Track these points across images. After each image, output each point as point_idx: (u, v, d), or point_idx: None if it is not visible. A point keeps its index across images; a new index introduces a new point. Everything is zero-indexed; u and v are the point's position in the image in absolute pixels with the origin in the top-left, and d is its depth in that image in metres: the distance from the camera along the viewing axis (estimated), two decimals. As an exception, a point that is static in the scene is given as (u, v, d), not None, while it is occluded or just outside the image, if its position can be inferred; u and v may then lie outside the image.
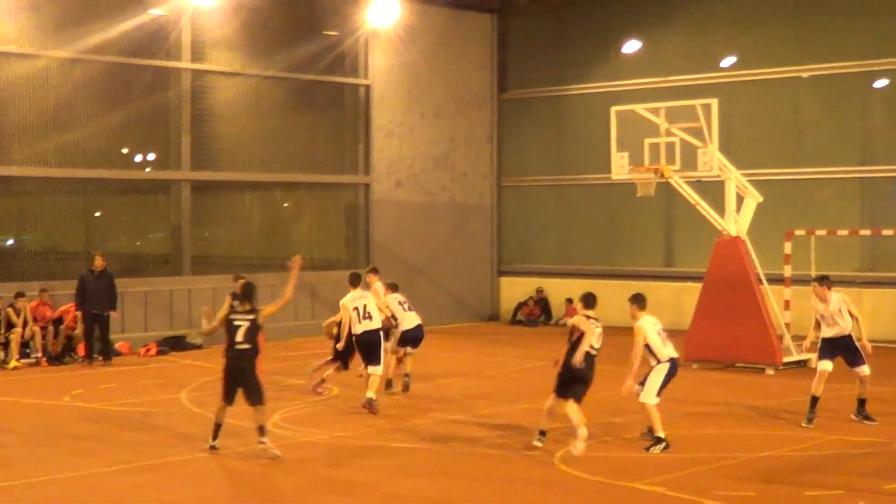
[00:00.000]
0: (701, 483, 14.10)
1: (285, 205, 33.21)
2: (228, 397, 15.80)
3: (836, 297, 18.28)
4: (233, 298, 16.25)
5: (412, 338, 21.43)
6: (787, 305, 26.67)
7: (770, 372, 23.42)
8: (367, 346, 19.44)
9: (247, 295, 15.96)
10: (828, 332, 18.17)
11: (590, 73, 34.93)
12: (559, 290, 34.51)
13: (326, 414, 19.09)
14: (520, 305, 35.20)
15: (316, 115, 32.84)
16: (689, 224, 31.18)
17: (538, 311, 34.85)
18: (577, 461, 15.26)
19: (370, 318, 19.50)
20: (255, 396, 15.59)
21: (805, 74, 31.26)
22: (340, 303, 19.92)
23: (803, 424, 17.62)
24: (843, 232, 28.72)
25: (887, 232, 28.31)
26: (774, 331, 24.01)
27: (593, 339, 16.06)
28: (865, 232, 29.04)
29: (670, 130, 24.46)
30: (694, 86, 31.60)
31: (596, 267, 34.07)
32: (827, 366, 17.93)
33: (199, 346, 28.14)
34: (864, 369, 18.02)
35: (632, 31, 34.17)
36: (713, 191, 25.64)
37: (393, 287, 21.88)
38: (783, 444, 16.33)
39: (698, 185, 25.40)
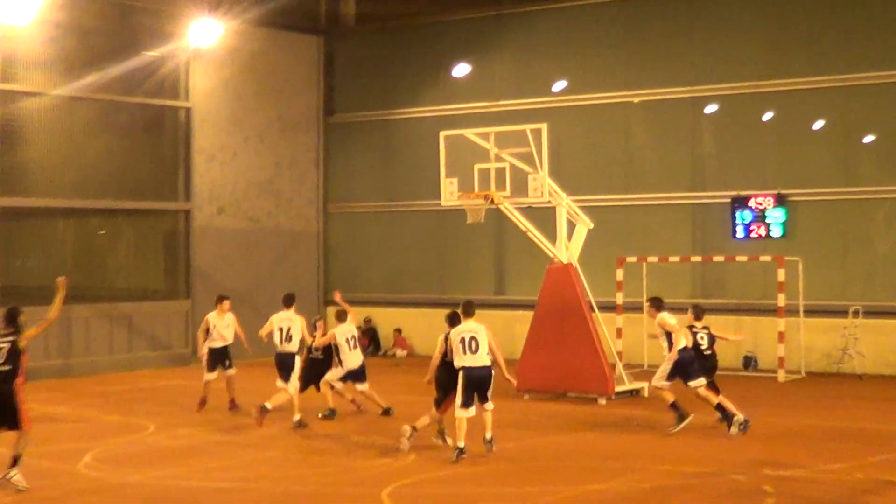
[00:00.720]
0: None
1: (101, 232, 32.47)
2: None
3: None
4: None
5: (358, 373, 22.15)
6: (619, 333, 27.00)
7: (602, 401, 23.61)
8: (281, 366, 21.02)
9: (9, 318, 16.26)
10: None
11: (419, 96, 35.00)
12: (388, 320, 34.42)
13: (145, 453, 18.57)
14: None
15: (134, 139, 32.15)
16: (520, 251, 31.37)
17: (366, 342, 34.67)
18: (405, 499, 15.09)
19: (290, 340, 21.10)
20: (12, 420, 15.62)
21: (636, 100, 31.75)
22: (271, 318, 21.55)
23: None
24: (674, 258, 29.24)
25: (718, 258, 28.96)
26: (607, 359, 24.22)
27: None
28: (697, 258, 29.62)
29: (500, 156, 24.50)
30: (524, 110, 31.86)
31: (426, 295, 34.07)
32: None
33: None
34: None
35: (461, 54, 34.35)
36: (544, 217, 25.78)
37: (341, 317, 22.33)
38: (612, 477, 16.39)
39: (529, 212, 25.54)
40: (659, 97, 31.40)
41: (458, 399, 17.82)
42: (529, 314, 25.89)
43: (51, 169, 30.11)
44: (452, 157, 25.15)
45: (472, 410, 17.81)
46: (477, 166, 24.53)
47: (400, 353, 34.00)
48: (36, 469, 17.00)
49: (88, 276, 31.40)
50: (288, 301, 21.80)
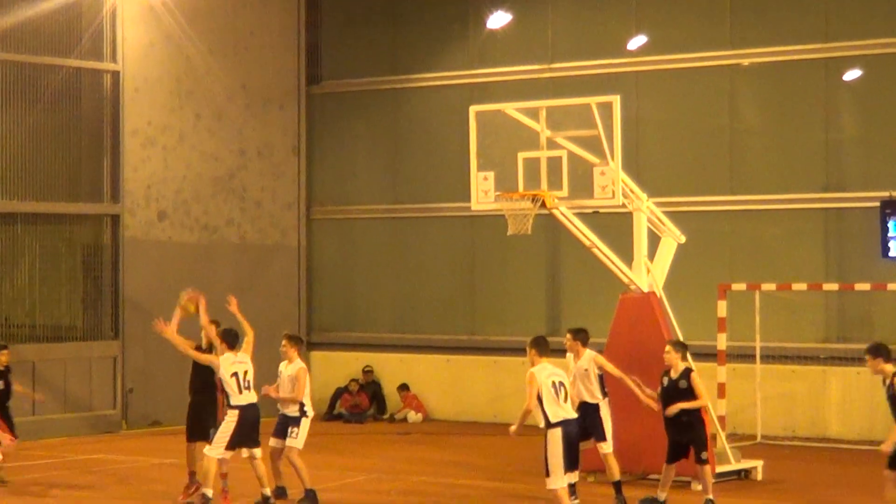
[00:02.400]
0: None
1: (-7, 245, 32.58)
2: None
3: None
4: None
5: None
6: (721, 391, 26.84)
7: (698, 487, 23.42)
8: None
9: None
10: None
11: (441, 57, 35.05)
12: (395, 371, 34.39)
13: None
14: (339, 392, 34.96)
15: (39, 115, 32.19)
16: (581, 275, 31.44)
17: (366, 401, 34.60)
18: None
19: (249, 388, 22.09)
20: None
21: (745, 62, 31.74)
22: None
23: None
24: (799, 286, 29.09)
25: (862, 286, 28.72)
26: (709, 422, 24.04)
27: None
28: (832, 286, 29.43)
29: (554, 141, 24.45)
30: (588, 77, 31.98)
31: (449, 336, 34.08)
32: None
33: None
34: None
35: (500, -2, 34.45)
36: (616, 227, 25.74)
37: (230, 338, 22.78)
38: None
39: (595, 219, 25.46)
40: (777, 59, 31.33)
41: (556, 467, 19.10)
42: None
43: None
44: (487, 143, 25.14)
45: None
46: (521, 155, 24.48)
47: (413, 416, 33.93)
48: None
49: (-25, 305, 31.53)
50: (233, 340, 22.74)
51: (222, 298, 33.98)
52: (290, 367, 23.12)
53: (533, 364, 19.49)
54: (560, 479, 18.88)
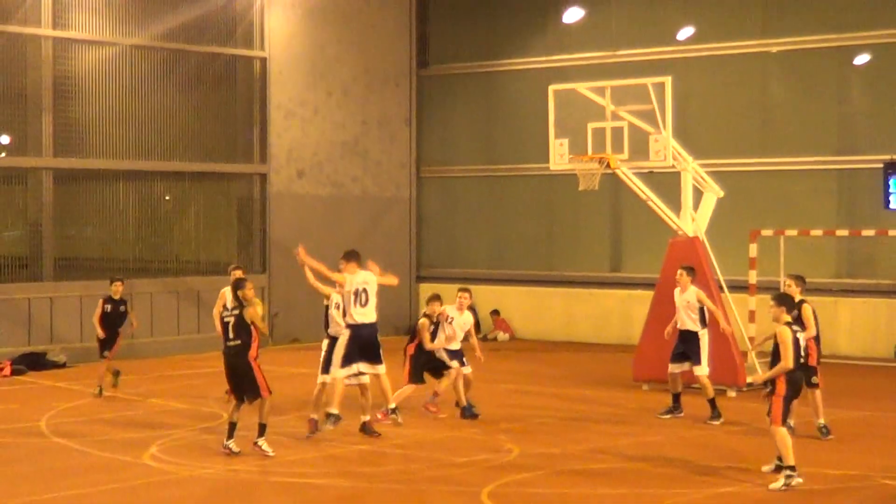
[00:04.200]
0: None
1: (167, 198, 32.96)
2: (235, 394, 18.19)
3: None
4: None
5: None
6: (752, 317, 26.92)
7: (732, 394, 23.63)
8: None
9: (233, 291, 18.40)
10: None
11: (525, 45, 35.07)
12: (488, 300, 34.56)
13: (216, 444, 18.96)
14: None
15: (203, 93, 32.59)
16: (639, 222, 31.44)
17: (466, 324, 34.87)
18: (506, 498, 15.32)
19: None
20: (252, 391, 17.96)
21: (774, 49, 31.60)
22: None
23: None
24: (816, 232, 29.05)
25: (868, 232, 28.71)
26: (738, 346, 24.21)
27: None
28: (843, 232, 29.40)
29: (617, 114, 24.57)
30: (645, 62, 31.88)
31: (532, 272, 34.25)
32: None
33: (62, 365, 27.87)
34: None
35: (574, -4, 34.43)
36: (667, 184, 25.82)
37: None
38: (747, 479, 16.47)
39: (650, 178, 25.59)
40: (801, 46, 31.21)
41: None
42: (649, 294, 25.93)
43: (110, 127, 30.62)
44: (563, 115, 25.29)
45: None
46: (591, 125, 24.65)
47: (502, 336, 34.17)
48: (98, 460, 17.66)
49: (152, 247, 31.92)
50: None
51: (350, 243, 34.42)
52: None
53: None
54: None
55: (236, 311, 18.15)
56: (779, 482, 15.44)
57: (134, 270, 30.67)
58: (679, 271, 21.85)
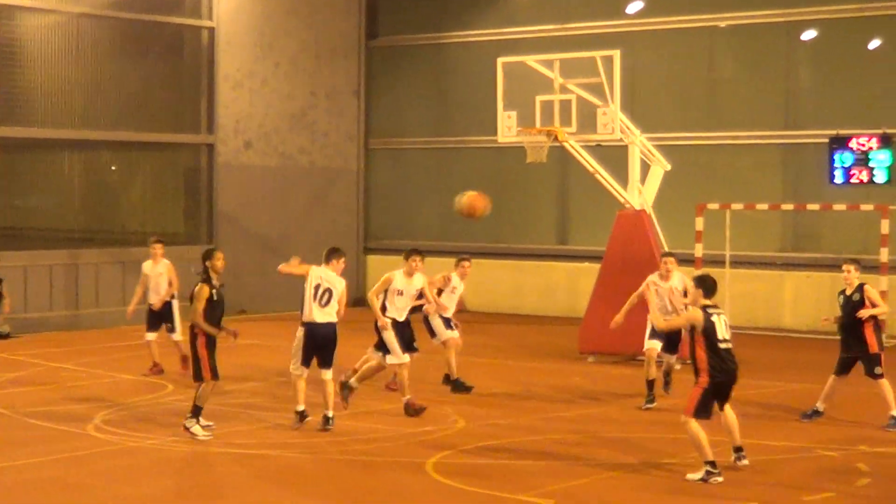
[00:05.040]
0: (596, 495, 14.27)
1: (113, 168, 32.79)
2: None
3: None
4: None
5: None
6: (697, 290, 26.98)
7: (677, 367, 23.68)
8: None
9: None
10: None
11: (475, 17, 35.02)
12: (437, 272, 34.38)
13: (161, 415, 18.88)
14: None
15: (150, 63, 32.39)
16: (586, 195, 31.50)
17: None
18: (452, 470, 15.30)
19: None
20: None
21: (722, 24, 31.68)
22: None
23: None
24: (762, 206, 29.17)
25: (812, 206, 28.85)
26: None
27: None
28: (788, 206, 29.55)
29: (566, 87, 24.61)
30: (594, 35, 31.92)
31: (480, 244, 34.22)
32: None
33: (6, 336, 27.63)
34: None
35: (523, -31, 34.38)
36: (615, 157, 25.89)
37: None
38: (690, 450, 16.49)
39: (597, 151, 25.63)
40: (749, 21, 31.30)
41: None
42: (596, 266, 26.02)
43: (56, 96, 30.39)
44: (511, 88, 25.30)
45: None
46: (539, 98, 24.68)
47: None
48: (41, 431, 17.56)
49: (98, 217, 31.78)
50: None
51: (297, 215, 34.51)
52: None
53: None
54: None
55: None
56: (698, 474, 14.83)
57: (79, 241, 30.60)
58: (664, 259, 20.81)
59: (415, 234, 35.87)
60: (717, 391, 15.10)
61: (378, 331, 19.23)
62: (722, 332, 15.12)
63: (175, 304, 22.56)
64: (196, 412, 17.08)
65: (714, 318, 15.15)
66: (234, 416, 18.65)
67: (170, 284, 22.52)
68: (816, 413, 18.64)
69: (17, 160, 30.69)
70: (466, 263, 21.43)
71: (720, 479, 14.63)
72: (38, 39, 30.01)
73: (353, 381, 19.19)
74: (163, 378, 21.99)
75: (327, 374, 17.76)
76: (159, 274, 22.59)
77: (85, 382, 21.89)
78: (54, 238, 30.39)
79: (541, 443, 17.12)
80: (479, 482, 14.74)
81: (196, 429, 16.99)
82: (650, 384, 19.83)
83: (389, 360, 19.12)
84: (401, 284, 19.42)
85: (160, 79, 32.77)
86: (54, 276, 29.56)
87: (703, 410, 14.99)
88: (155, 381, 21.72)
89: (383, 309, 19.34)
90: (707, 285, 15.62)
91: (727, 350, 15.12)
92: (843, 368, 18.52)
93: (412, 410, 18.76)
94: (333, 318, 17.73)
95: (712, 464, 14.71)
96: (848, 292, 18.42)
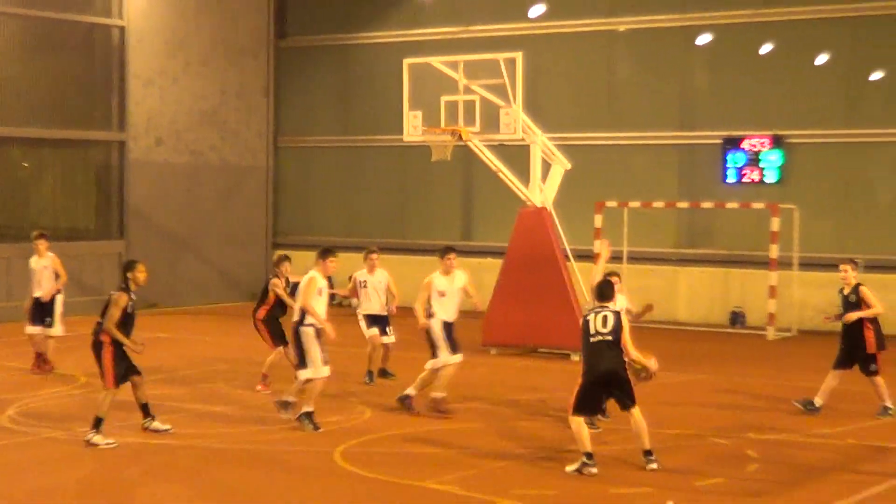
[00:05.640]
0: (497, 481, 14.45)
1: (24, 164, 32.53)
2: None
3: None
4: None
5: None
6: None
7: (575, 358, 23.89)
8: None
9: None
10: None
11: (381, 19, 35.10)
12: (344, 267, 34.20)
13: (72, 407, 18.84)
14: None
15: (62, 61, 32.16)
16: (489, 193, 31.70)
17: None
18: (358, 458, 15.45)
19: None
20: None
21: (621, 28, 32.00)
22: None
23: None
24: (658, 204, 29.57)
25: (706, 205, 29.28)
26: (581, 312, 24.51)
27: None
28: (683, 204, 29.94)
29: (470, 87, 24.72)
30: (497, 38, 32.07)
31: (386, 240, 34.20)
32: None
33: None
34: None
35: (429, -28, 34.50)
36: (517, 156, 26.07)
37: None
38: (594, 437, 16.76)
39: (500, 150, 25.79)
40: (646, 25, 31.66)
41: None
42: (498, 262, 26.20)
43: (-32, 93, 30.17)
44: (417, 88, 25.37)
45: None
46: (444, 98, 24.78)
47: (356, 301, 34.06)
48: (-45, 422, 17.42)
49: (10, 212, 31.50)
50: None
51: (208, 210, 34.42)
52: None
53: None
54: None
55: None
56: (574, 465, 14.76)
57: (-8, 236, 30.35)
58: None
59: (322, 230, 35.89)
60: (595, 388, 15.10)
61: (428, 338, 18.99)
62: (596, 326, 15.06)
63: (59, 298, 22.26)
64: (97, 424, 16.17)
65: (590, 317, 15.18)
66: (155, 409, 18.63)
67: (57, 277, 22.21)
68: (812, 405, 18.59)
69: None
70: (374, 255, 21.36)
71: (594, 470, 14.67)
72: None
73: (410, 390, 18.76)
74: (75, 370, 21.86)
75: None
76: (44, 267, 22.28)
77: (-2, 375, 21.77)
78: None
79: (443, 433, 17.28)
80: (385, 469, 14.91)
81: (97, 439, 16.13)
82: None
83: (435, 363, 18.82)
84: (442, 285, 19.14)
85: (72, 76, 32.54)
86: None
87: (583, 407, 15.07)
88: (68, 373, 21.61)
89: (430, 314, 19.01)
90: (596, 290, 15.77)
91: (599, 343, 14.98)
92: (843, 363, 18.65)
93: (440, 410, 18.39)
94: None
95: (588, 455, 14.73)
96: (845, 292, 18.60)
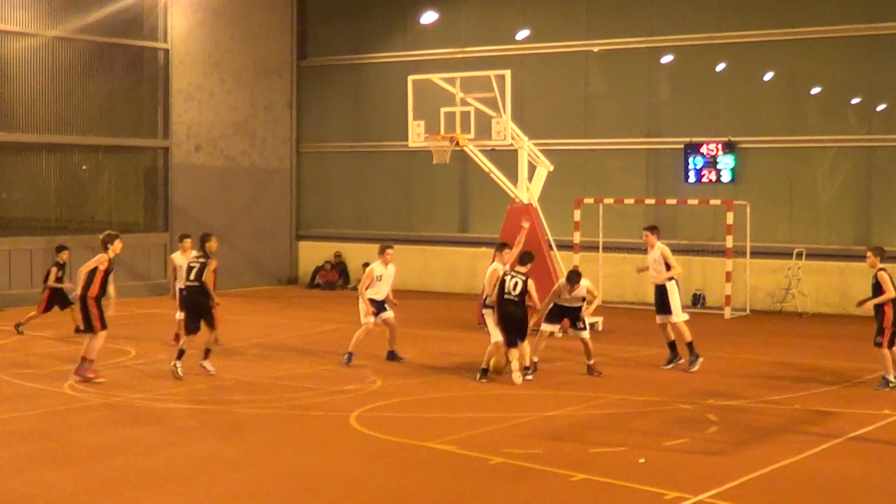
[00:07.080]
0: (490, 441, 14.32)
1: (83, 167, 32.38)
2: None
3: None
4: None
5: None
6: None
7: (559, 335, 23.82)
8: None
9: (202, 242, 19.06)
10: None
11: (388, 42, 34.95)
12: (357, 255, 34.50)
13: (126, 376, 18.71)
14: (318, 269, 35.07)
15: (115, 79, 32.00)
16: (483, 191, 31.55)
17: (336, 276, 34.80)
18: (370, 421, 15.32)
19: None
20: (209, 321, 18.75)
21: (595, 49, 31.84)
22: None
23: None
24: (629, 201, 29.46)
25: (671, 201, 29.21)
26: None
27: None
28: (650, 201, 29.84)
29: (465, 100, 24.66)
30: (489, 57, 31.95)
31: (393, 232, 34.18)
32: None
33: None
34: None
35: (429, 1, 34.26)
36: (506, 159, 25.98)
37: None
38: (569, 404, 16.69)
39: (492, 154, 25.73)
40: (617, 47, 31.48)
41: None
42: (491, 251, 26.03)
43: (36, 106, 30.10)
44: (420, 101, 25.29)
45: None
46: (443, 110, 24.71)
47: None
48: (24, 390, 17.32)
49: (71, 209, 31.39)
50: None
51: (240, 207, 34.34)
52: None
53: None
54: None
55: (202, 259, 18.70)
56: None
57: (55, 229, 30.31)
58: (644, 232, 20.60)
59: (338, 224, 35.82)
60: (505, 333, 18.22)
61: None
62: (508, 288, 18.19)
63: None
64: (207, 353, 18.67)
65: (506, 278, 18.28)
66: (186, 376, 18.51)
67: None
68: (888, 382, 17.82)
69: (3, 161, 30.26)
70: (390, 251, 20.87)
71: (485, 379, 18.24)
72: (21, 59, 29.72)
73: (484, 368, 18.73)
74: (126, 343, 21.74)
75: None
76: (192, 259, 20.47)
77: (63, 349, 21.61)
78: (34, 227, 30.12)
79: (446, 400, 17.17)
80: (394, 431, 14.80)
81: (209, 365, 18.64)
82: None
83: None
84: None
85: (123, 92, 32.39)
86: (34, 259, 29.20)
87: (496, 334, 18.51)
88: (120, 347, 21.46)
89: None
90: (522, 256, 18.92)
91: (509, 300, 18.19)
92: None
93: (496, 370, 18.70)
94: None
95: (484, 371, 18.37)
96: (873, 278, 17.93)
